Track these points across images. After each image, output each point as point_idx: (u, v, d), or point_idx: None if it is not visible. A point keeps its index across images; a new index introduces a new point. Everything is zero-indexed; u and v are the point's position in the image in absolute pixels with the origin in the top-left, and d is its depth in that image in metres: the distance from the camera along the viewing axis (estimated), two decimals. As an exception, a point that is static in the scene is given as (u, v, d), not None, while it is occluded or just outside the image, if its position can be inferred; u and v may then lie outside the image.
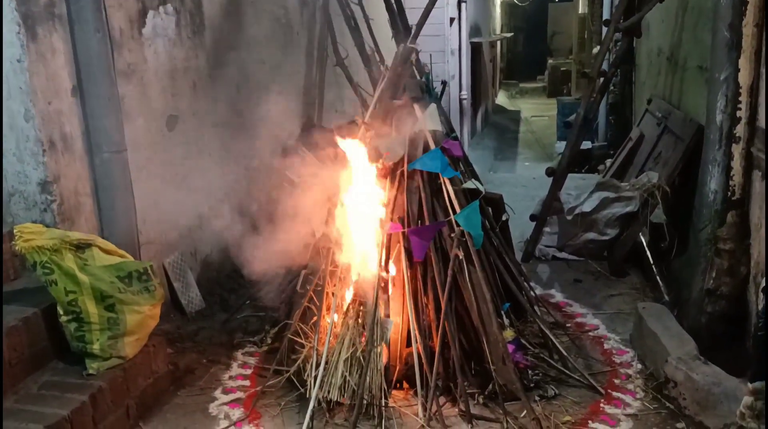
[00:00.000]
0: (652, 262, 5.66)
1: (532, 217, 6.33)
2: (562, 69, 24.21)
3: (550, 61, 26.28)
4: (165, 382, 4.05)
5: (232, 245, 5.84)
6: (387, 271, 4.14)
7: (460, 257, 4.04)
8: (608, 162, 8.77)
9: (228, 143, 5.83)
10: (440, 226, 4.15)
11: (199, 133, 5.40)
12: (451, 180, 4.23)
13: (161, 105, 4.92)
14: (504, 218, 4.53)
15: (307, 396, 3.84)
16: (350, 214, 4.20)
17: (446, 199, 4.22)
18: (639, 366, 4.36)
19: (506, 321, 4.22)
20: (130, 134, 4.47)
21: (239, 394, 4.10)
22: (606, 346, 4.69)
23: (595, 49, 11.50)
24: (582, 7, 19.06)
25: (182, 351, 4.52)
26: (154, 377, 3.93)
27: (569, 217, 6.06)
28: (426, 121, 4.22)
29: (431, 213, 4.20)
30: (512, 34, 27.45)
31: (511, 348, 4.00)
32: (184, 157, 5.19)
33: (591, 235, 6.16)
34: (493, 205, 4.53)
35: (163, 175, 4.95)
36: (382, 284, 4.08)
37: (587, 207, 5.98)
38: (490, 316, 4.02)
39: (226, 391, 4.14)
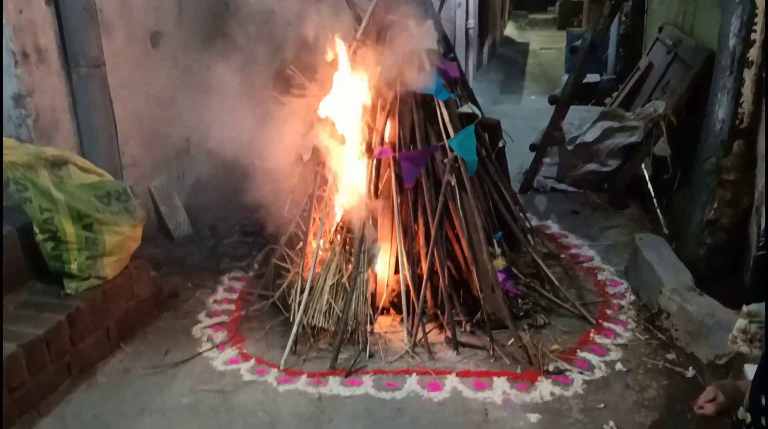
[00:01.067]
0: (653, 194, 5.50)
1: (532, 147, 6.14)
2: (573, 0, 23.41)
3: (560, -8, 25.41)
4: (148, 304, 3.99)
5: (221, 171, 5.71)
6: (376, 197, 4.00)
7: (453, 184, 3.89)
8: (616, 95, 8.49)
9: (217, 65, 5.58)
10: (433, 151, 3.98)
11: (186, 52, 5.17)
12: (446, 103, 4.03)
13: (144, 20, 4.67)
14: (501, 145, 4.35)
15: (291, 321, 3.78)
16: (339, 136, 4.02)
17: (440, 123, 4.03)
18: (632, 297, 4.27)
19: (498, 250, 4.10)
20: (110, 49, 4.25)
21: (223, 318, 4.04)
22: (600, 278, 4.59)
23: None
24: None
25: (168, 275, 4.44)
26: (136, 300, 3.86)
27: (570, 148, 5.87)
28: (422, 38, 3.97)
29: (424, 138, 4.02)
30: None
31: (501, 277, 3.90)
32: (169, 77, 4.98)
33: (592, 166, 5.98)
34: (489, 131, 4.34)
35: (147, 95, 4.76)
36: (371, 210, 3.95)
37: (589, 137, 5.78)
38: (481, 245, 3.91)
39: (210, 315, 4.08)
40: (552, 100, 5.93)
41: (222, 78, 5.68)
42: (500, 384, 3.42)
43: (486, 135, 4.37)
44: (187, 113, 5.22)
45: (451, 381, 3.45)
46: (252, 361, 3.61)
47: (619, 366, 3.56)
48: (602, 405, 3.25)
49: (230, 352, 3.69)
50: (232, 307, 4.18)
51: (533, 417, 3.18)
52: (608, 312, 4.14)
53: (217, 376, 3.48)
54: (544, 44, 19.55)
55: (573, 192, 6.14)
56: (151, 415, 3.20)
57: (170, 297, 4.17)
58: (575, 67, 6.08)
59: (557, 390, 3.37)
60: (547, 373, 3.49)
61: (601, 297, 4.32)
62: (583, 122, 6.01)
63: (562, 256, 4.89)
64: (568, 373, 3.50)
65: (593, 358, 3.65)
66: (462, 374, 3.50)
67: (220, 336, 3.85)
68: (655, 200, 5.47)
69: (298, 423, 3.15)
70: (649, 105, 5.70)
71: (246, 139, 5.94)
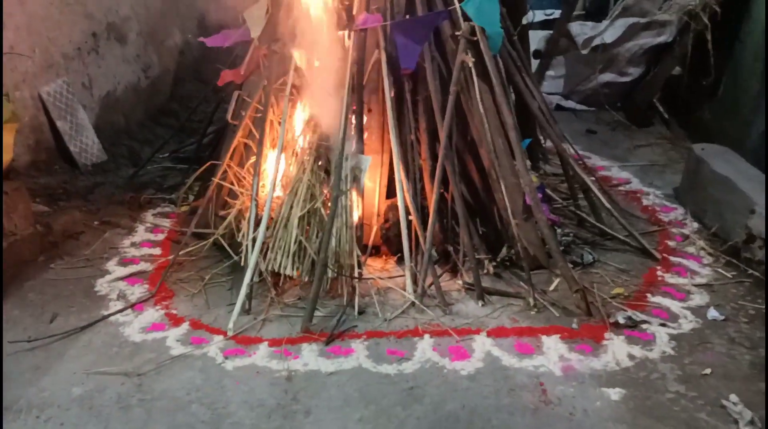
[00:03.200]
0: (686, 105, 4.47)
1: (536, 54, 4.99)
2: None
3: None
4: (30, 248, 2.75)
5: (143, 79, 4.39)
6: (360, 89, 2.81)
7: (469, 65, 2.72)
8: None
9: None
10: (439, 19, 2.80)
11: None
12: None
13: None
14: (525, 21, 3.18)
15: (243, 265, 2.60)
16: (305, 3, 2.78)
17: (448, -20, 2.85)
18: (695, 224, 3.26)
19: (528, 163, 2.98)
20: None
21: (143, 266, 2.83)
22: (645, 203, 3.58)
23: None
24: None
25: (65, 210, 3.17)
26: (9, 240, 2.62)
27: (584, 52, 4.76)
28: None
29: (426, 2, 2.83)
30: None
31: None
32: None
33: (608, 77, 4.92)
34: (509, 2, 3.15)
35: (29, -37, 3.39)
36: (353, 108, 2.76)
37: (609, 37, 4.69)
38: (510, 153, 2.78)
39: (123, 262, 2.86)
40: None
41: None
42: (553, 345, 2.38)
43: (503, 8, 3.17)
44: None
45: (482, 343, 2.38)
46: (184, 326, 2.45)
47: (712, 313, 2.54)
48: (708, 370, 2.21)
49: (152, 314, 2.50)
50: (157, 251, 2.97)
51: (613, 393, 2.14)
52: (670, 244, 3.14)
53: (130, 351, 2.30)
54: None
55: (583, 110, 5.07)
56: (20, 417, 1.99)
57: (65, 238, 2.92)
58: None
59: (636, 351, 2.35)
60: (617, 327, 2.44)
61: (656, 225, 3.28)
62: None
63: (591, 178, 3.81)
64: (645, 326, 2.46)
65: (672, 304, 2.65)
66: (495, 333, 2.44)
67: (137, 291, 2.64)
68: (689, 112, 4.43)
69: (257, 418, 2.00)
70: (678, -4, 4.62)
71: (178, 37, 4.65)
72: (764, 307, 2.58)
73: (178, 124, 4.33)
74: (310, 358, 2.27)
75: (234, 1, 3.05)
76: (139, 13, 4.32)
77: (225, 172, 2.96)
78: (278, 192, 2.83)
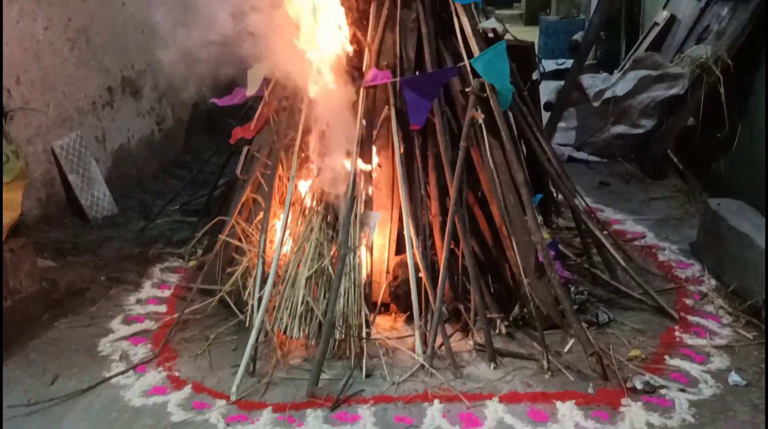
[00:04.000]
0: (701, 157, 4.42)
1: (547, 106, 5.00)
2: (539, -6, 22.72)
3: (528, -15, 24.76)
4: (35, 306, 2.72)
5: (158, 132, 4.43)
6: (370, 146, 2.80)
7: (479, 121, 2.71)
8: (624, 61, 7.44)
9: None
10: (449, 75, 2.80)
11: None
12: (466, 10, 2.85)
13: None
14: (535, 77, 3.18)
15: (248, 326, 2.54)
16: (314, 58, 2.79)
17: (458, 38, 2.85)
18: (713, 282, 3.17)
19: (540, 219, 2.94)
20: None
21: (148, 325, 2.78)
22: (661, 258, 3.50)
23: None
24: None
25: (72, 266, 3.15)
26: (14, 298, 2.60)
27: (596, 104, 4.75)
28: None
29: (435, 58, 2.83)
30: (488, -46, 25.76)
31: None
32: (82, 0, 3.69)
33: (620, 129, 4.88)
34: (519, 57, 3.16)
35: (49, 20, 3.47)
36: (364, 165, 2.75)
37: (620, 90, 4.68)
38: (521, 209, 2.74)
39: (127, 321, 2.81)
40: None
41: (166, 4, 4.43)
42: (568, 411, 2.30)
43: (513, 64, 3.18)
44: (109, 52, 3.94)
45: (494, 410, 2.30)
46: (186, 389, 2.38)
47: (734, 378, 2.43)
48: (732, 441, 2.10)
49: (154, 376, 2.44)
50: (162, 308, 2.93)
51: (632, 465, 2.01)
52: (688, 302, 3.05)
53: (129, 416, 2.24)
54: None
55: (596, 162, 5.03)
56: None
57: (71, 295, 2.89)
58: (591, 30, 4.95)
59: (655, 418, 2.27)
60: (634, 393, 2.35)
61: (673, 282, 3.19)
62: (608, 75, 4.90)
63: (605, 232, 3.74)
64: (663, 392, 2.37)
65: (692, 368, 2.56)
66: (508, 398, 2.36)
67: (140, 351, 2.58)
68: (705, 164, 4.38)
69: (260, 491, 1.92)
70: (692, 49, 4.62)
71: (192, 90, 4.71)
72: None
73: (190, 176, 4.35)
74: (315, 425, 2.19)
75: (246, 57, 3.09)
76: (154, 68, 4.39)
77: (233, 227, 2.94)
78: (286, 248, 2.80)
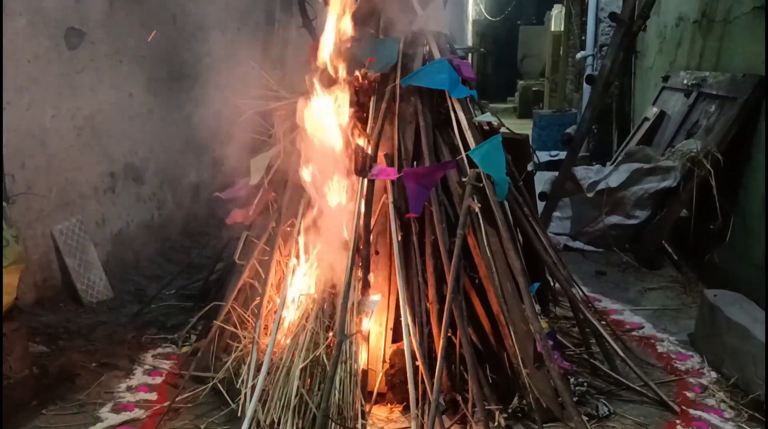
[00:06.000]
0: (696, 248, 4.46)
1: (542, 196, 5.08)
2: (533, 89, 23.58)
3: (521, 82, 25.71)
4: (23, 392, 2.64)
5: (157, 218, 4.48)
6: (368, 233, 2.83)
7: (476, 210, 2.76)
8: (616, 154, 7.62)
9: (158, 87, 4.49)
10: (446, 167, 2.87)
11: (117, 63, 4.05)
12: (462, 104, 2.96)
13: (58, 9, 3.56)
14: (529, 169, 3.26)
15: (240, 415, 2.48)
16: (313, 149, 2.87)
17: (455, 131, 2.95)
18: (713, 374, 3.13)
19: (537, 308, 2.93)
20: (5, 36, 3.12)
21: (138, 413, 2.69)
22: (660, 350, 3.46)
23: (579, 54, 10.58)
24: (555, 26, 18.33)
25: (63, 351, 3.10)
26: (3, 384, 2.51)
27: (590, 195, 4.84)
28: (428, 18, 2.95)
29: (432, 150, 2.92)
30: (483, 50, 26.88)
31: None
32: (91, 90, 3.83)
33: (615, 219, 4.95)
34: (514, 149, 3.25)
35: (57, 108, 3.58)
36: (361, 252, 2.77)
37: (614, 181, 4.78)
38: (519, 298, 2.74)
39: (117, 409, 2.73)
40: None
41: (169, 105, 4.59)
42: None
43: (509, 155, 3.26)
44: (113, 141, 4.05)
45: None
46: (175, 483, 2.27)
47: (739, 476, 2.35)
48: None
49: (141, 469, 2.35)
50: (153, 396, 2.85)
51: None
52: (689, 395, 2.99)
53: None
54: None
55: (591, 251, 5.06)
56: None
57: (61, 381, 2.82)
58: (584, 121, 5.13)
59: None
60: (639, 491, 2.26)
61: (673, 374, 3.15)
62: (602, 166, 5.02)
63: (602, 322, 3.72)
64: (669, 490, 2.27)
65: (697, 465, 2.44)
66: (508, 497, 2.24)
67: (128, 441, 2.50)
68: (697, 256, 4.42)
69: None
70: (683, 144, 4.76)
71: (193, 180, 4.79)
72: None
73: (187, 261, 4.36)
74: None
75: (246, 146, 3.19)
76: (157, 154, 4.49)
77: (228, 313, 2.92)
78: (283, 334, 2.77)
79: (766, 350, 2.73)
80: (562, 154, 8.01)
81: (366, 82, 2.86)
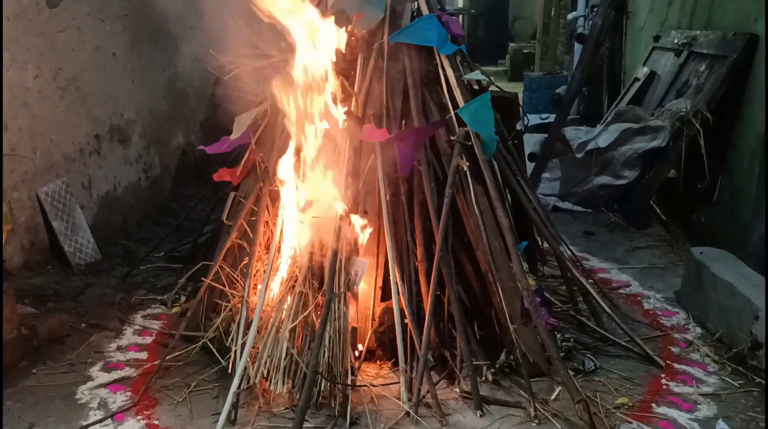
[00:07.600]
0: (683, 208, 4.49)
1: (531, 157, 5.08)
2: (524, 52, 23.35)
3: (512, 44, 25.47)
4: (12, 353, 2.65)
5: (144, 180, 4.44)
6: (356, 194, 2.82)
7: (464, 169, 2.75)
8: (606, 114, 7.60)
9: (142, 47, 4.41)
10: (435, 127, 2.85)
11: (99, 22, 3.97)
12: (451, 61, 2.93)
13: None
14: (518, 127, 3.25)
15: (230, 372, 2.50)
16: (300, 110, 2.84)
17: (444, 89, 2.92)
18: (698, 330, 3.18)
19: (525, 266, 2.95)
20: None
21: (128, 372, 2.71)
22: (647, 306, 3.51)
23: (570, 15, 10.45)
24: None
25: (52, 312, 3.10)
26: (-9, 345, 2.52)
27: (579, 155, 4.84)
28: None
29: (421, 108, 2.89)
30: (474, 12, 26.57)
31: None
32: (73, 50, 3.75)
33: (603, 180, 4.96)
34: (503, 108, 3.23)
35: (39, 68, 3.51)
36: (349, 212, 2.76)
37: (603, 141, 4.77)
38: (507, 256, 2.75)
39: (107, 368, 2.75)
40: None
41: (154, 65, 4.51)
42: (556, 461, 2.21)
43: (498, 114, 3.24)
44: (97, 102, 3.99)
45: (481, 459, 2.22)
46: (165, 438, 2.30)
47: (722, 426, 2.42)
48: (723, 493, 2.07)
49: (132, 425, 2.38)
50: (143, 355, 2.87)
51: None
52: (674, 350, 3.04)
53: (106, 466, 2.16)
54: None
55: (580, 211, 5.08)
56: None
57: (50, 342, 2.83)
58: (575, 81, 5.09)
59: (645, 469, 2.18)
60: (623, 442, 2.31)
61: (658, 330, 3.20)
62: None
63: (590, 280, 3.75)
64: (651, 441, 2.33)
65: (679, 416, 2.54)
66: (495, 448, 2.29)
67: (119, 399, 2.52)
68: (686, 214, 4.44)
69: None
70: (672, 103, 4.75)
71: (181, 138, 4.75)
72: (777, 419, 2.46)
73: (175, 223, 4.34)
74: (297, 474, 2.14)
75: (234, 106, 3.14)
76: (143, 116, 4.43)
77: (217, 273, 2.92)
78: (273, 293, 2.77)
79: (766, 315, 2.74)
80: (553, 117, 7.96)
81: (353, 38, 2.82)
